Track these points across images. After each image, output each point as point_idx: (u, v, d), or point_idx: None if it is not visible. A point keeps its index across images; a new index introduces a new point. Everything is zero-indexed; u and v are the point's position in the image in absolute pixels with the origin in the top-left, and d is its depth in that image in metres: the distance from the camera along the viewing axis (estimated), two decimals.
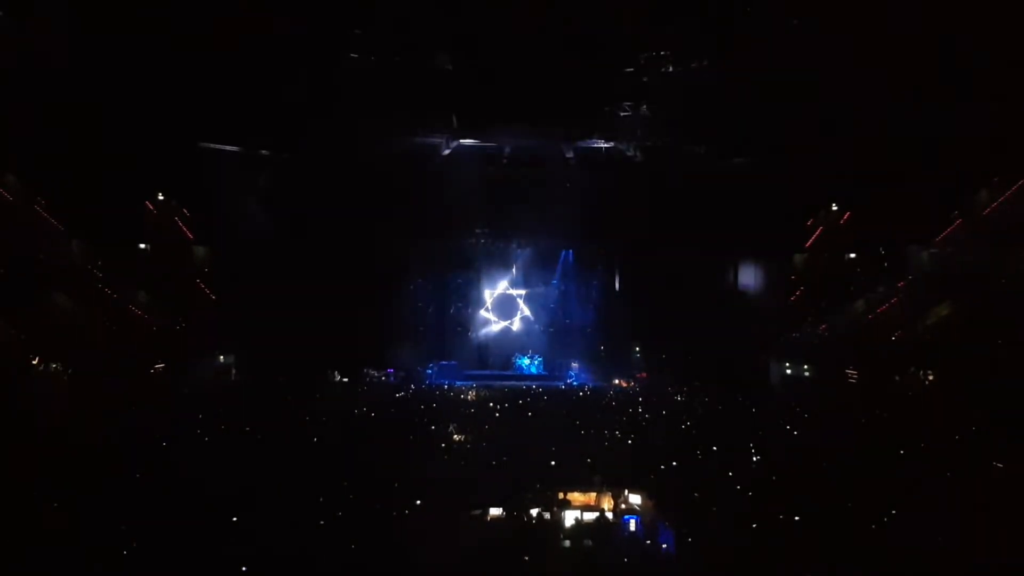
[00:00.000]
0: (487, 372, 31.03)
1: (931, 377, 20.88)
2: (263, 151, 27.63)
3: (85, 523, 8.85)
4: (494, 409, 19.78)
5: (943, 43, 18.74)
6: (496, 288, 33.26)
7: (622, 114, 25.56)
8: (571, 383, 29.05)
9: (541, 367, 31.76)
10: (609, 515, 9.95)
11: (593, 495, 10.64)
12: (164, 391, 22.18)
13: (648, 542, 9.20)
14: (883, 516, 9.41)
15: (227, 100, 22.36)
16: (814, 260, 29.21)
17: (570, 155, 28.39)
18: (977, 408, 16.27)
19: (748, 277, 30.30)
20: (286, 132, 25.44)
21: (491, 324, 33.38)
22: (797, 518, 9.42)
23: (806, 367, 26.29)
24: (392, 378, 28.86)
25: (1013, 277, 20.79)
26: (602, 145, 27.93)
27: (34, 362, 19.80)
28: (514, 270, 33.20)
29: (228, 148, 26.75)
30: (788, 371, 26.92)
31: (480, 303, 33.32)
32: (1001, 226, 22.11)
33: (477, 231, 31.93)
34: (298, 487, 10.67)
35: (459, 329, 32.96)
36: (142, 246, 27.70)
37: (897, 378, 22.11)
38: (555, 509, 10.05)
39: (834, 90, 21.28)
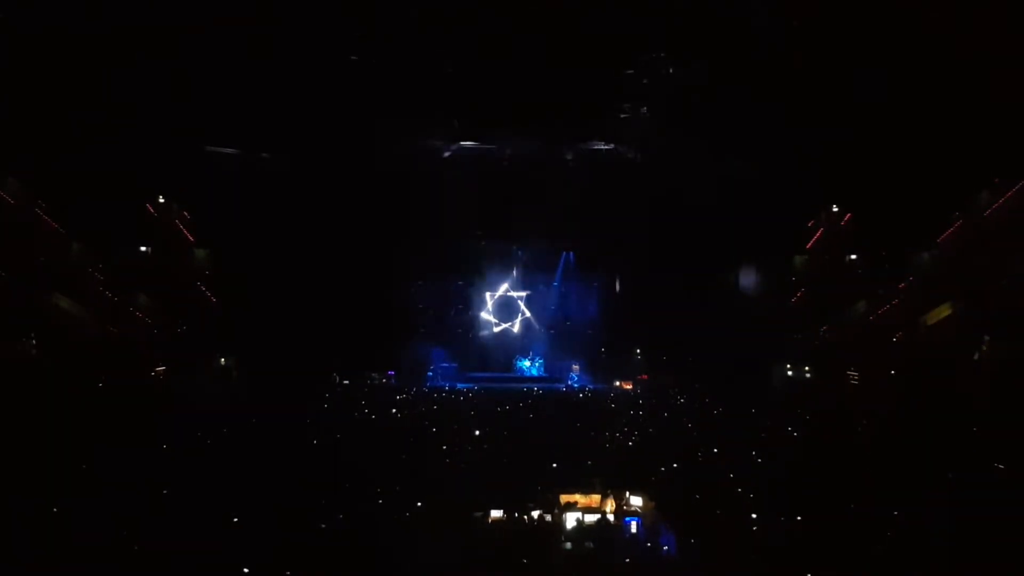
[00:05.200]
0: (488, 374, 31.05)
1: (930, 378, 20.86)
2: (264, 154, 27.67)
3: (85, 526, 8.85)
4: (495, 411, 19.78)
5: (944, 43, 18.74)
6: (497, 290, 33.26)
7: (623, 116, 25.57)
8: (572, 385, 29.04)
9: (542, 369, 31.79)
10: (610, 517, 9.93)
11: (594, 497, 10.60)
12: (165, 393, 22.19)
13: (649, 544, 9.19)
14: (884, 517, 9.41)
15: (228, 103, 22.37)
16: (815, 261, 29.19)
17: (571, 157, 28.40)
18: (978, 409, 16.26)
19: (749, 279, 30.29)
20: (287, 135, 25.45)
21: (492, 326, 33.38)
22: (798, 519, 9.42)
23: (807, 368, 26.28)
24: (393, 380, 28.87)
25: (1014, 278, 20.76)
26: (603, 147, 27.94)
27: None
28: (515, 272, 33.20)
29: (229, 151, 26.79)
30: (789, 372, 26.91)
31: (481, 305, 33.32)
32: (1003, 227, 22.10)
33: (478, 233, 31.93)
34: (299, 489, 10.67)
35: (460, 331, 32.96)
36: (143, 248, 27.72)
37: (896, 379, 22.13)
38: (556, 511, 10.02)
39: (835, 90, 21.29)
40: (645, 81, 23.22)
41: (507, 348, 33.01)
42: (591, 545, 9.10)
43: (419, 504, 10.09)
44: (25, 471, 10.89)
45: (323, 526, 9.17)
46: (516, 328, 33.48)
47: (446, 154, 27.80)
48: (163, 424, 16.36)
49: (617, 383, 28.50)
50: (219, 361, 27.04)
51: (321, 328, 26.44)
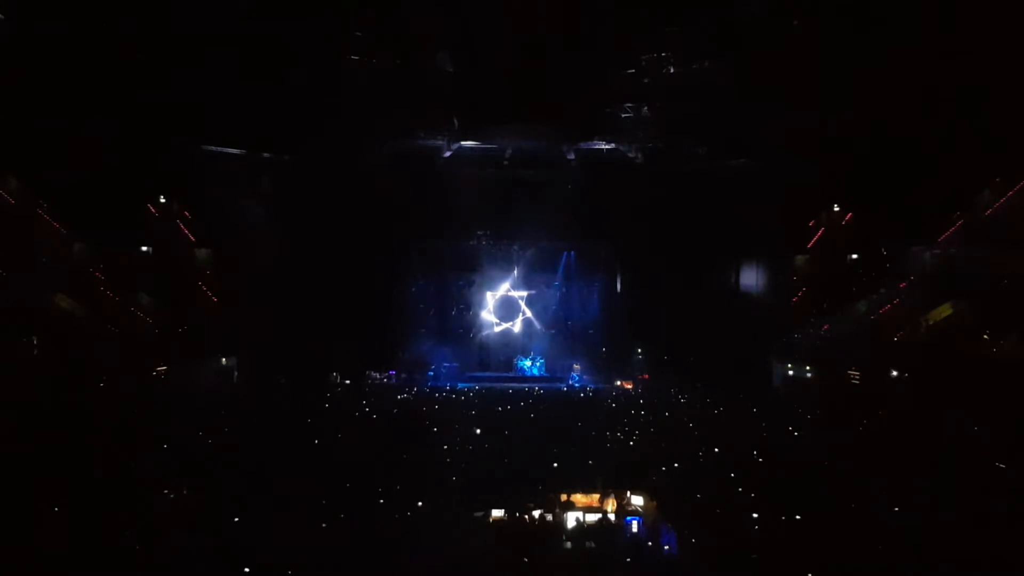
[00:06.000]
0: (489, 374, 31.04)
1: (931, 377, 20.84)
2: (265, 153, 27.68)
3: (85, 526, 8.85)
4: (496, 411, 19.77)
5: (944, 42, 18.73)
6: (498, 290, 33.24)
7: (623, 115, 25.57)
8: (573, 385, 29.04)
9: (543, 369, 31.76)
10: (611, 517, 9.94)
11: (595, 496, 10.62)
12: (166, 393, 22.18)
13: (650, 544, 9.18)
14: (885, 516, 9.41)
15: (230, 102, 22.37)
16: (816, 261, 29.19)
17: (571, 156, 28.40)
18: (979, 408, 16.25)
19: (750, 278, 30.30)
20: (288, 134, 25.46)
21: (493, 326, 33.37)
22: (799, 518, 9.42)
23: (808, 368, 26.27)
24: (394, 380, 28.87)
25: (1015, 277, 20.75)
26: (603, 146, 27.93)
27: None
28: (516, 272, 33.18)
29: (230, 150, 26.80)
30: (790, 372, 26.90)
31: (482, 305, 33.30)
32: (1003, 226, 22.10)
33: (479, 233, 31.93)
34: (300, 488, 10.66)
35: (461, 331, 32.95)
36: (144, 248, 27.72)
37: (897, 378, 22.12)
38: (557, 511, 10.03)
39: (836, 90, 21.28)
40: (647, 79, 23.21)
41: (508, 348, 32.99)
42: (592, 545, 9.11)
43: (420, 504, 10.09)
44: (25, 471, 10.90)
45: (324, 525, 9.18)
46: (517, 328, 33.46)
47: (448, 153, 27.80)
48: (163, 423, 16.36)
49: (618, 382, 28.49)
50: (219, 361, 27.03)
51: (322, 328, 26.43)
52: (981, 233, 22.97)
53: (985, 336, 20.54)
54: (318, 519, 9.31)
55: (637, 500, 10.47)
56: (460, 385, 27.88)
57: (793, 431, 16.62)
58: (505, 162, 28.56)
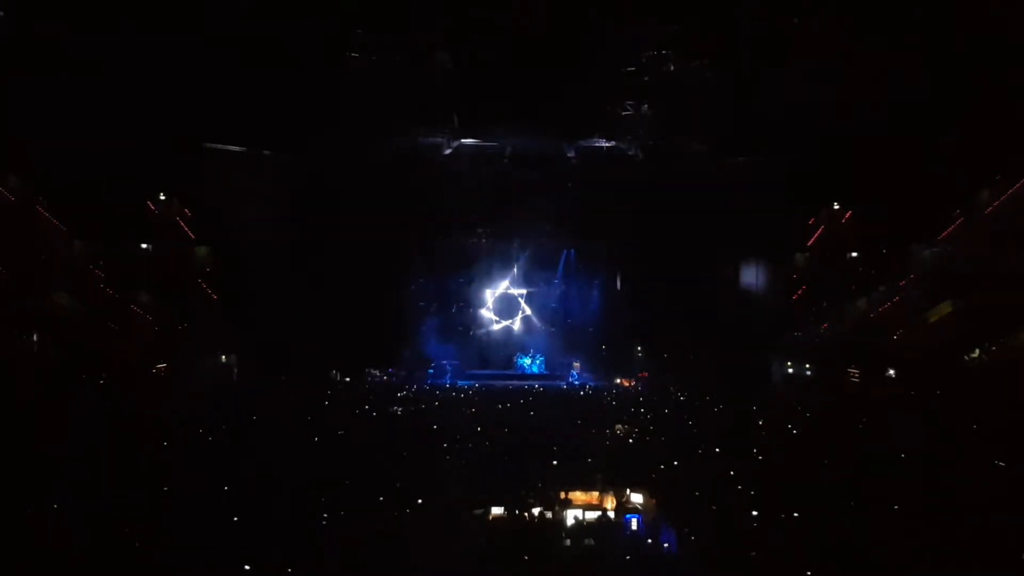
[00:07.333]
0: (489, 371, 31.04)
1: (930, 376, 20.84)
2: (265, 151, 27.66)
3: (85, 524, 8.86)
4: (496, 408, 19.78)
5: (944, 42, 18.73)
6: (498, 287, 33.26)
7: (624, 113, 25.56)
8: (573, 382, 29.06)
9: (543, 366, 31.77)
10: (611, 514, 9.97)
11: (595, 494, 10.65)
12: (166, 391, 22.21)
13: (650, 541, 9.21)
14: (884, 515, 9.42)
15: (230, 99, 22.35)
16: (816, 259, 29.16)
17: (571, 154, 28.39)
18: (978, 407, 16.27)
19: (750, 276, 30.28)
20: (289, 132, 25.43)
21: (493, 323, 33.39)
22: (797, 516, 9.43)
23: (808, 366, 26.27)
24: (394, 378, 28.88)
25: (1014, 276, 20.74)
26: (603, 144, 27.92)
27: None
28: (515, 269, 33.20)
29: (231, 148, 26.78)
30: (790, 370, 26.91)
31: (482, 302, 33.32)
32: (1003, 225, 22.08)
33: (479, 230, 31.95)
34: (300, 486, 10.68)
35: (461, 328, 32.96)
36: (144, 246, 27.69)
37: (897, 377, 22.14)
38: (557, 508, 10.06)
39: (836, 88, 21.28)
40: (646, 79, 23.21)
41: (508, 345, 33.01)
42: (591, 542, 9.13)
43: (420, 501, 10.11)
44: (25, 469, 10.91)
45: (324, 524, 9.19)
46: (517, 325, 33.47)
47: (448, 151, 27.79)
48: (163, 422, 16.36)
49: (618, 380, 28.52)
50: (219, 359, 27.04)
51: (322, 325, 26.44)
52: (981, 232, 22.92)
53: (985, 335, 20.54)
54: (318, 517, 9.32)
55: (636, 498, 10.51)
56: (460, 383, 27.90)
57: (792, 429, 16.63)
58: (505, 161, 28.54)
